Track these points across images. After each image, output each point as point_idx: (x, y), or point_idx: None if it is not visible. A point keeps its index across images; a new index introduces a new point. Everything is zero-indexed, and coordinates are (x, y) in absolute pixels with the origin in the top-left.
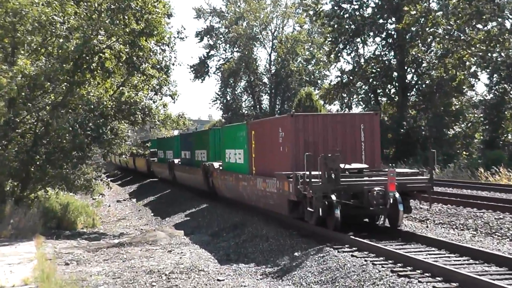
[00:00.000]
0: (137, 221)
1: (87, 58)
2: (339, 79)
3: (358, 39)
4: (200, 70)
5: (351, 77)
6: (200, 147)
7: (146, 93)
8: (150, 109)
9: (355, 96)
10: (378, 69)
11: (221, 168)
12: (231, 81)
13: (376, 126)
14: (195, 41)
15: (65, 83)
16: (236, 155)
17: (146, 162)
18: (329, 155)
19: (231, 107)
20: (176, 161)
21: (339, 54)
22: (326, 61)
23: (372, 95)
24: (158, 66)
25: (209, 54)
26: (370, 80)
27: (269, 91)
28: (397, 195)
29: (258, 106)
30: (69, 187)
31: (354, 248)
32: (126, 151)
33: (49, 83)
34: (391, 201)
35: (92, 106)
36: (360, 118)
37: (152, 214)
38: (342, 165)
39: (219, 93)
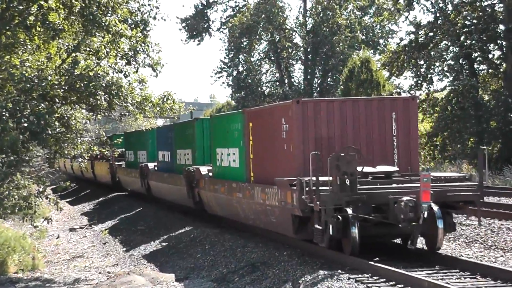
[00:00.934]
0: (101, 259)
1: (20, 8)
2: (412, 37)
3: None
4: (196, 26)
5: (431, 34)
6: (183, 145)
7: (113, 62)
8: (119, 86)
9: (437, 64)
10: (474, 21)
11: (210, 174)
12: (245, 43)
13: (414, 115)
14: None
15: None
16: (229, 156)
17: (109, 169)
18: (342, 154)
19: (245, 83)
20: (151, 165)
21: None
22: (393, 9)
23: (464, 62)
24: (131, 21)
25: (211, 0)
26: (462, 38)
27: (303, 57)
28: (435, 207)
29: (286, 81)
30: None
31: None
32: (84, 152)
33: None
34: (425, 215)
35: (29, 84)
36: (391, 105)
37: (124, 248)
38: (364, 168)
39: (227, 61)
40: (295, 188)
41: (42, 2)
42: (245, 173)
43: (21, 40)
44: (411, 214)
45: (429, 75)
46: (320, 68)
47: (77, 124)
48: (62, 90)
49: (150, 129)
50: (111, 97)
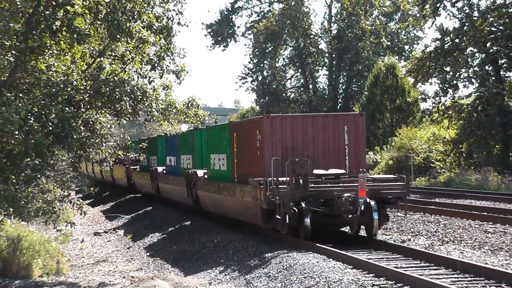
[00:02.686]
0: (125, 264)
1: (47, 12)
2: (438, 43)
3: None
4: (221, 32)
5: (457, 40)
6: (186, 151)
7: (138, 67)
8: (144, 92)
9: (463, 70)
10: (501, 27)
11: (205, 176)
12: (270, 48)
13: (362, 128)
14: None
15: (13, 52)
16: (220, 161)
17: (126, 172)
18: (297, 160)
19: (270, 88)
20: (160, 169)
21: (438, 5)
22: (418, 15)
23: (490, 68)
24: (155, 27)
25: (236, 6)
26: (488, 45)
27: (328, 63)
28: (372, 202)
29: (311, 86)
30: (19, 213)
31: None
32: (109, 156)
33: None
34: (362, 208)
35: (55, 89)
36: (344, 120)
37: (148, 253)
38: (318, 171)
39: (251, 66)
40: (262, 186)
41: (67, 7)
42: (230, 175)
43: (47, 44)
44: (350, 207)
45: (454, 81)
46: (345, 74)
47: (102, 129)
48: (87, 95)
49: (157, 136)
50: (135, 102)
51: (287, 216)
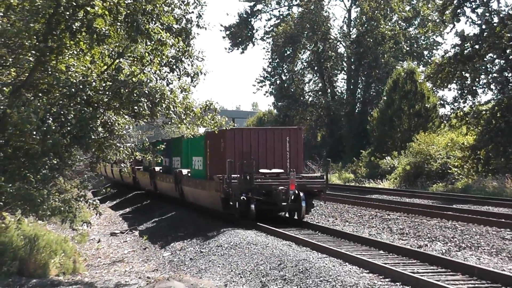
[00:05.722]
0: (141, 264)
1: (67, 13)
2: (458, 49)
3: None
4: (240, 35)
5: (477, 46)
6: (176, 154)
7: (157, 69)
8: (162, 94)
9: (483, 76)
10: None
11: (189, 174)
12: (289, 52)
13: (300, 139)
14: None
15: (33, 52)
16: (198, 162)
17: (132, 172)
18: (245, 161)
19: (288, 92)
20: (157, 169)
21: (458, 11)
22: (438, 21)
23: (510, 74)
24: (175, 28)
25: (255, 9)
26: (508, 51)
27: (347, 68)
28: (301, 194)
29: (329, 90)
30: (36, 211)
31: None
32: (126, 157)
33: (7, 52)
34: (293, 198)
35: (74, 89)
36: (286, 132)
37: (164, 254)
38: (263, 170)
39: (270, 69)
40: (222, 181)
41: (87, 8)
42: (204, 173)
43: (67, 44)
44: (283, 197)
45: (474, 88)
46: (363, 78)
47: (120, 130)
48: (105, 96)
49: (156, 141)
50: (153, 104)
51: (237, 203)
